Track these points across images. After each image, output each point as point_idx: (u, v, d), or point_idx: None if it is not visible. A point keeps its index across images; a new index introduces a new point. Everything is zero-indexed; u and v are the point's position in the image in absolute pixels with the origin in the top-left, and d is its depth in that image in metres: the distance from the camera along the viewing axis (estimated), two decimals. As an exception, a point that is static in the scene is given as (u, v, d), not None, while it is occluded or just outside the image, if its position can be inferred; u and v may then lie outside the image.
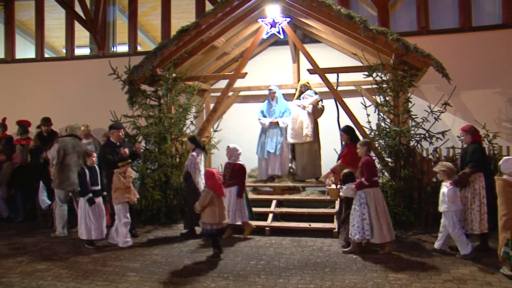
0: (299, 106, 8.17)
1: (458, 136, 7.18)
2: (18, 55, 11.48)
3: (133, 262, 5.58)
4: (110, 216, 6.96)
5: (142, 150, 7.28)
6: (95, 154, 6.60)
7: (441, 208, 5.58)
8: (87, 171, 6.39)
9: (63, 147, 7.09)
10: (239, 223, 6.69)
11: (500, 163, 4.86)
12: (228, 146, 6.92)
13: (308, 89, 8.28)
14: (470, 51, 8.88)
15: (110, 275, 5.08)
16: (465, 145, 5.99)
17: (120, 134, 6.93)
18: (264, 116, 8.41)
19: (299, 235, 6.69)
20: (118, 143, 6.85)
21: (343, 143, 6.97)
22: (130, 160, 6.61)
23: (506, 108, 8.66)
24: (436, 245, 5.71)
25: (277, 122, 8.22)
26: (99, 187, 6.50)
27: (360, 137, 6.95)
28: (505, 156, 7.11)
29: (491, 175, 5.62)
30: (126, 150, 6.75)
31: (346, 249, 5.83)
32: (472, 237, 5.69)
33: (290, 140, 8.16)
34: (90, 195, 6.32)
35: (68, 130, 7.45)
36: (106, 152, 6.73)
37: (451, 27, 9.25)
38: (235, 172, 6.69)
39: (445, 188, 5.53)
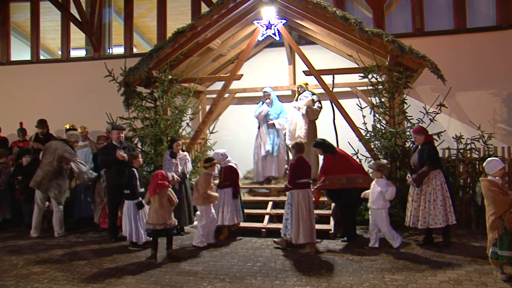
0: (295, 107, 8.19)
1: (453, 137, 7.25)
2: (13, 57, 11.46)
3: (130, 264, 5.56)
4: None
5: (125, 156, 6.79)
6: (140, 155, 6.60)
7: (374, 205, 5.89)
8: (136, 173, 6.31)
9: (44, 148, 7.36)
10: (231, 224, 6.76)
11: (484, 164, 4.93)
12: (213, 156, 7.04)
13: (305, 90, 8.29)
14: (465, 52, 8.94)
15: (106, 278, 5.06)
16: (418, 145, 6.19)
17: (119, 135, 6.91)
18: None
19: (296, 237, 6.70)
20: (117, 144, 6.85)
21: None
22: (215, 161, 6.53)
23: (501, 109, 8.71)
24: (371, 243, 5.97)
25: (274, 123, 8.23)
26: (143, 189, 6.42)
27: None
28: (499, 156, 7.19)
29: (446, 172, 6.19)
30: (121, 152, 6.71)
31: (276, 240, 6.22)
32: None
33: (288, 141, 8.21)
34: (140, 199, 6.25)
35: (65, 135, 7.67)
36: (102, 152, 6.80)
37: (446, 29, 9.31)
38: (226, 174, 6.76)
39: (384, 186, 5.83)
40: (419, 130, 6.18)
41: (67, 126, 8.73)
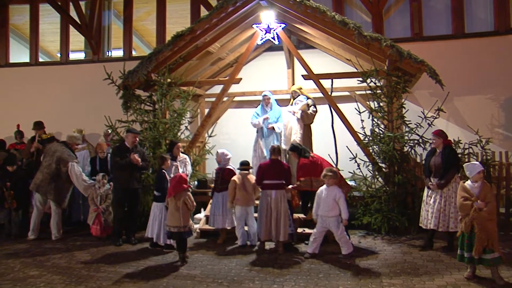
0: (290, 112, 8.20)
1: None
2: (12, 59, 11.45)
3: (127, 268, 5.55)
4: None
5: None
6: (169, 157, 6.73)
7: (331, 213, 5.79)
8: (167, 175, 6.39)
9: (45, 151, 7.41)
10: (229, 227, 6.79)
11: (464, 168, 5.01)
12: (217, 151, 7.10)
13: (299, 95, 8.28)
14: (463, 57, 8.98)
15: (103, 281, 5.05)
16: (436, 148, 6.19)
17: (135, 139, 6.88)
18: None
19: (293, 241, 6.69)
20: (130, 148, 6.83)
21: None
22: (252, 166, 6.64)
23: (498, 114, 8.75)
24: (311, 249, 5.90)
25: (273, 127, 8.23)
26: None
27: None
28: (497, 161, 7.21)
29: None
30: (136, 156, 6.68)
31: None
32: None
33: (283, 146, 8.17)
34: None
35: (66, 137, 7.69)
36: (115, 154, 6.77)
37: (444, 34, 9.36)
38: (225, 177, 6.76)
39: (339, 193, 5.78)
40: (439, 133, 6.18)
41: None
